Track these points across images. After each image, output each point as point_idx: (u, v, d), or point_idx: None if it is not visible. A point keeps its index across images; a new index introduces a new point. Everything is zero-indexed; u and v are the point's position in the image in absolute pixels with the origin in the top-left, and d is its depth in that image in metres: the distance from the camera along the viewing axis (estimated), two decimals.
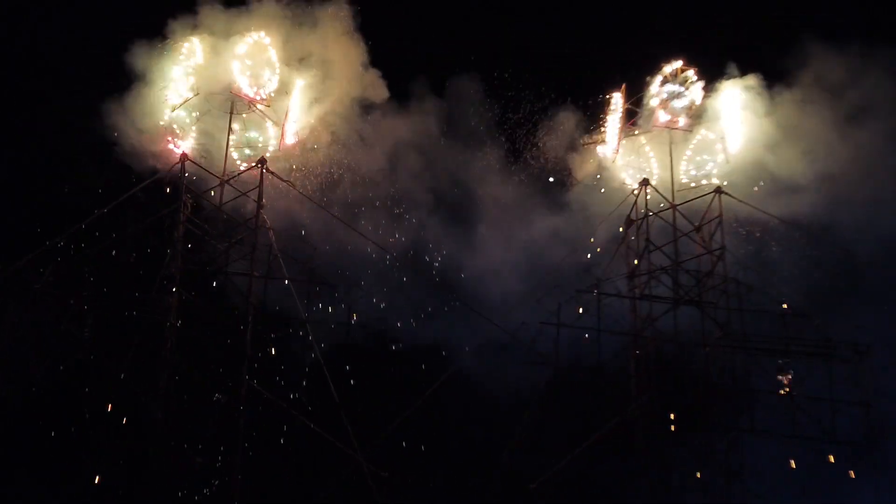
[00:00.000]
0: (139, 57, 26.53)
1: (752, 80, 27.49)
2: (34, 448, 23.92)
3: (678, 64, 28.04)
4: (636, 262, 26.93)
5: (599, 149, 28.45)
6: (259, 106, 26.95)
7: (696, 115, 27.93)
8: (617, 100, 28.01)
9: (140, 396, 24.15)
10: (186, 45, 26.69)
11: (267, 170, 26.36)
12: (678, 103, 27.82)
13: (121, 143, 26.39)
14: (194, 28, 26.87)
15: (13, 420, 23.59)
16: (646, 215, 27.18)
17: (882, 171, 26.59)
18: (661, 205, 27.38)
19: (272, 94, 27.04)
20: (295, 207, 26.98)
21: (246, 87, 26.72)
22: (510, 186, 28.97)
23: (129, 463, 23.85)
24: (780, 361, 25.21)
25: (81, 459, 23.59)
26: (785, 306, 25.60)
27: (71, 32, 29.65)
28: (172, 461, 23.96)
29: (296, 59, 27.35)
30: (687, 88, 27.88)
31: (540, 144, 28.89)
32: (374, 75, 27.68)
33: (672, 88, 27.88)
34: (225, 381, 24.66)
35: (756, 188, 27.08)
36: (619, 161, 28.20)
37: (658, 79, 28.07)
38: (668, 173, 27.67)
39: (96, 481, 23.24)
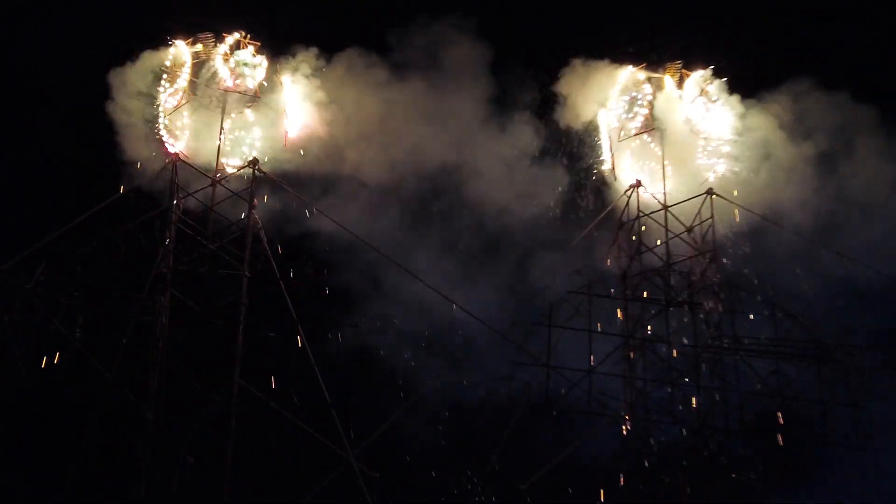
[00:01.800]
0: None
1: None
2: (23, 448, 23.94)
3: None
4: (629, 262, 26.96)
5: None
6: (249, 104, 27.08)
7: None
8: None
9: (131, 396, 24.18)
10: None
11: (259, 170, 26.41)
12: None
13: (113, 142, 26.49)
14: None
15: (2, 420, 23.64)
16: (637, 216, 27.22)
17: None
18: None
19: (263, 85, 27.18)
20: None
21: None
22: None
23: (120, 463, 23.84)
24: None
25: (71, 459, 23.60)
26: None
27: (68, 32, 29.75)
28: (163, 461, 23.95)
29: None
30: None
31: None
32: None
33: None
34: (216, 382, 24.67)
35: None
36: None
37: None
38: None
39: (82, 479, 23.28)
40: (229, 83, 27.01)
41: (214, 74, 26.97)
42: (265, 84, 27.34)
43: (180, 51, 27.06)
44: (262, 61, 27.37)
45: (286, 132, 27.05)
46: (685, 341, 25.98)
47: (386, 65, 27.83)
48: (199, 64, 27.23)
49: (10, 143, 28.72)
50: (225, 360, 24.79)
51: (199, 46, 27.13)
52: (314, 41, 27.82)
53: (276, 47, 27.68)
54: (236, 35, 27.42)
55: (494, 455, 25.22)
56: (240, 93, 27.02)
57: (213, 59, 27.12)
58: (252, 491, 24.52)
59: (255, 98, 27.10)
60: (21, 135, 28.71)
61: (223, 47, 27.28)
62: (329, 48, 27.91)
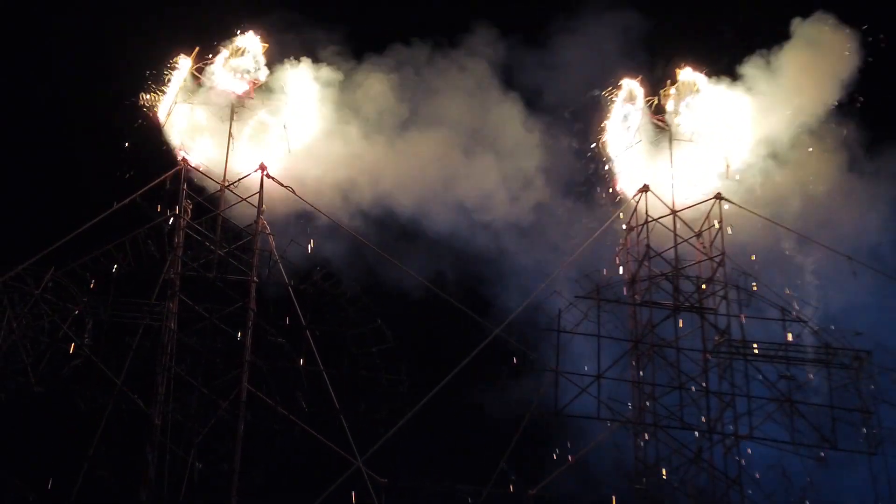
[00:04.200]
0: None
1: None
2: (32, 453, 23.99)
3: None
4: (639, 267, 26.89)
5: None
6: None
7: None
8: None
9: (139, 402, 24.21)
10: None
11: (267, 175, 26.43)
12: None
13: (122, 147, 26.61)
14: None
15: (12, 426, 23.68)
16: (646, 221, 27.16)
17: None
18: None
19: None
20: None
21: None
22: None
23: (128, 468, 23.88)
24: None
25: (80, 464, 23.64)
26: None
27: (73, 42, 29.82)
28: (171, 467, 23.97)
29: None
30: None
31: None
32: None
33: None
34: (224, 388, 24.68)
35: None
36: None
37: None
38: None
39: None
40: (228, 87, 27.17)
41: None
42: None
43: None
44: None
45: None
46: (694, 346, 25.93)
47: None
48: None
49: (16, 150, 28.89)
50: (233, 365, 24.84)
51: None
52: None
53: None
54: None
55: (503, 460, 25.17)
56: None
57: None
58: (260, 496, 24.53)
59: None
60: (28, 142, 28.89)
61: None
62: None
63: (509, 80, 29.32)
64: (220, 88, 27.12)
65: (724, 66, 28.23)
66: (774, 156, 27.63)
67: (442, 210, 27.92)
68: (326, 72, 27.75)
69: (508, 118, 28.67)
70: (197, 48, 27.29)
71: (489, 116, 28.80)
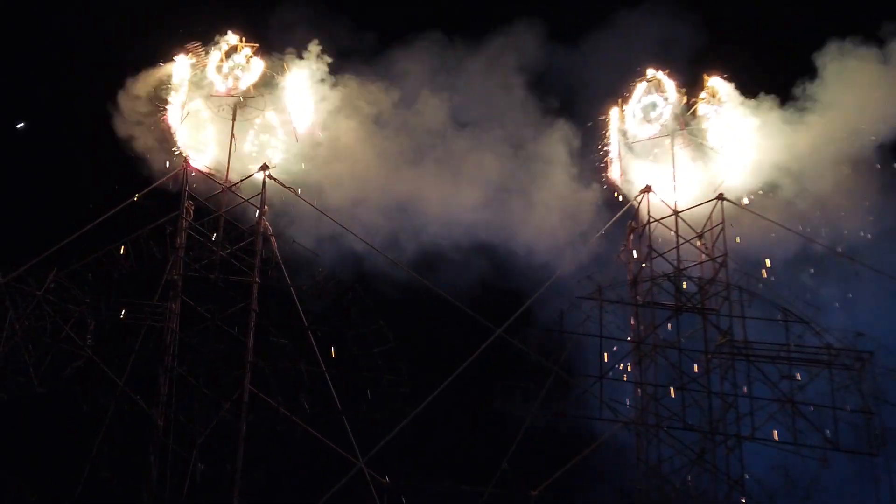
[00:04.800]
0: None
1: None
2: (35, 454, 24.00)
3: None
4: (641, 268, 26.89)
5: None
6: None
7: None
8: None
9: (141, 403, 24.22)
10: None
11: (269, 176, 26.41)
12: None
13: (124, 148, 26.62)
14: None
15: (14, 427, 23.68)
16: (648, 222, 27.16)
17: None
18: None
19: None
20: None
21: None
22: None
23: (130, 469, 23.88)
24: None
25: (82, 465, 23.65)
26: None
27: (76, 44, 29.81)
28: (173, 467, 23.97)
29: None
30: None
31: None
32: None
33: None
34: (226, 388, 24.68)
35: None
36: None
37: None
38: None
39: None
40: (220, 88, 27.13)
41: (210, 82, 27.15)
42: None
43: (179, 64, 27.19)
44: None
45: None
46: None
47: None
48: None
49: (17, 150, 28.88)
50: (235, 366, 24.83)
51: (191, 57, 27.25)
52: None
53: None
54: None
55: (506, 461, 25.19)
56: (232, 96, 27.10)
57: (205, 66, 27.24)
58: (262, 497, 24.54)
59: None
60: (29, 142, 28.89)
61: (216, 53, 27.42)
62: None
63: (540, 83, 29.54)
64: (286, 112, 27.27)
65: (753, 81, 28.29)
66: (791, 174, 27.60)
67: (473, 220, 28.03)
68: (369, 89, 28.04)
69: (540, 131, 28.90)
70: (241, 38, 27.48)
71: (516, 122, 29.06)
